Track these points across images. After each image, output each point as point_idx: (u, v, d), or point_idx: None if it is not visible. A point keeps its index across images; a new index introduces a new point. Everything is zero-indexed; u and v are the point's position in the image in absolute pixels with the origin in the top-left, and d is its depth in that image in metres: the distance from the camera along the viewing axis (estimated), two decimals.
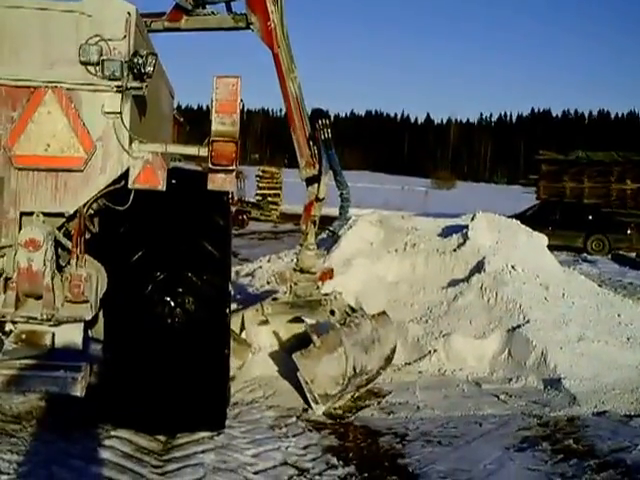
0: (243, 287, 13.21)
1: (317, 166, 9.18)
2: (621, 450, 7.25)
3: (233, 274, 13.50)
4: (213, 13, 9.96)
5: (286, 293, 9.65)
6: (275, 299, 9.68)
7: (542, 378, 9.68)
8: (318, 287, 9.66)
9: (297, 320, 9.59)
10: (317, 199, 9.32)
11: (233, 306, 9.46)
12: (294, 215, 42.93)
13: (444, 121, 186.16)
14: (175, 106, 11.03)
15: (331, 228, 9.65)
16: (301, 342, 8.87)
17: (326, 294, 9.62)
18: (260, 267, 14.02)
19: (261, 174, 47.04)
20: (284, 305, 9.59)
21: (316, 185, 9.27)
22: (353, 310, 9.51)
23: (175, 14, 9.92)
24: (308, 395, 8.27)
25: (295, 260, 9.93)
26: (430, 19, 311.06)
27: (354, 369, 8.45)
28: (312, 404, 8.28)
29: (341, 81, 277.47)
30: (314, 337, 8.31)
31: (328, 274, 9.89)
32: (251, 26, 9.40)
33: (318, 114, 9.42)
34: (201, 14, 9.95)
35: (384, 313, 9.62)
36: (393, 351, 9.59)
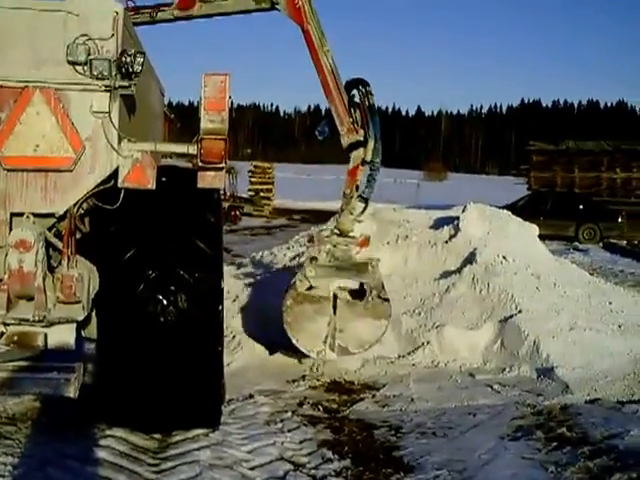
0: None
1: (361, 132, 9.29)
2: (614, 437, 7.28)
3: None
4: None
5: (320, 253, 9.56)
6: (314, 259, 9.51)
7: (535, 367, 9.74)
8: (357, 252, 9.68)
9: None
10: (363, 162, 9.38)
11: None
12: (286, 210, 43.23)
13: (435, 113, 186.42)
14: (166, 103, 11.02)
15: (363, 195, 9.68)
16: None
17: (370, 259, 9.63)
18: (253, 263, 14.01)
19: (253, 169, 47.07)
20: (328, 268, 9.49)
21: (361, 149, 9.32)
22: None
23: (186, 1, 9.90)
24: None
25: (335, 222, 10.01)
26: (419, 11, 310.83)
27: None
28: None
29: None
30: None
31: (366, 241, 9.83)
32: (277, 6, 9.46)
33: (358, 82, 9.60)
34: None
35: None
36: None
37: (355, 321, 9.25)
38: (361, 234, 9.77)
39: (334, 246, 9.53)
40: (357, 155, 9.38)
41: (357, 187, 9.57)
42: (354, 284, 9.53)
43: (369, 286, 9.29)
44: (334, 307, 9.22)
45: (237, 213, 35.01)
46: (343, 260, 9.50)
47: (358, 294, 9.39)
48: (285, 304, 9.03)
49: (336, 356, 9.28)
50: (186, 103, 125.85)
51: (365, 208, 9.74)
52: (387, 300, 9.38)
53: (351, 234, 9.63)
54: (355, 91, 9.60)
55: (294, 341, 9.13)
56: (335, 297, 9.32)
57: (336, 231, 9.65)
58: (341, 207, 9.69)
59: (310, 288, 9.40)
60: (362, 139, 9.29)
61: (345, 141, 9.37)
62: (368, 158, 9.31)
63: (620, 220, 30.74)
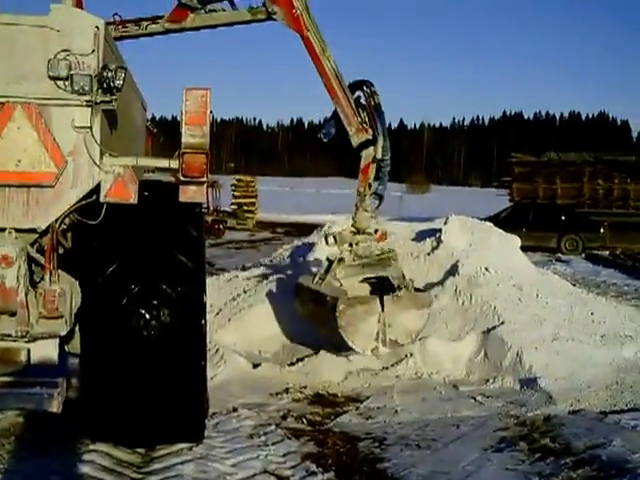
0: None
1: (370, 130, 9.73)
2: (597, 447, 7.31)
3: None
4: (223, 10, 10.05)
5: (342, 253, 9.97)
6: (341, 260, 9.94)
7: (518, 378, 9.78)
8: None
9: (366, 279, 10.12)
10: (373, 160, 9.78)
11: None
12: (270, 223, 43.19)
13: (417, 126, 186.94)
14: (149, 117, 11.02)
15: (377, 192, 9.93)
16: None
17: (391, 250, 10.17)
18: (237, 276, 14.00)
19: (236, 183, 47.01)
20: (355, 267, 9.97)
21: (371, 148, 9.73)
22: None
23: (178, 13, 9.93)
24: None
25: (352, 222, 10.24)
26: (400, 23, 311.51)
27: None
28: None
29: (314, 87, 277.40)
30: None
31: (384, 236, 10.26)
32: (274, 16, 9.65)
33: (362, 83, 10.08)
34: (209, 10, 10.01)
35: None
36: None
37: (401, 314, 9.61)
38: (377, 229, 10.16)
39: (356, 244, 9.98)
40: (368, 153, 9.78)
41: (370, 185, 9.95)
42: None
43: (399, 279, 9.86)
44: (381, 304, 9.50)
45: (221, 227, 34.90)
46: (366, 257, 9.96)
47: (389, 288, 9.81)
48: (338, 309, 9.21)
49: (388, 350, 9.66)
50: (169, 118, 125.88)
51: (380, 204, 10.19)
52: (424, 290, 10.46)
53: (368, 230, 10.03)
54: (360, 92, 10.02)
55: (350, 343, 9.36)
56: (382, 294, 9.65)
57: (353, 229, 10.05)
58: (356, 205, 10.07)
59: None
60: (371, 138, 9.69)
61: (355, 141, 9.76)
62: (379, 155, 9.71)
63: (602, 231, 30.85)
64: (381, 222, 14.52)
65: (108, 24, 10.39)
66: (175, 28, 10.04)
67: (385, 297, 9.54)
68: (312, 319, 10.31)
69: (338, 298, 9.35)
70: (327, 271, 10.05)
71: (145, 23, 10.08)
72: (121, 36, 10.06)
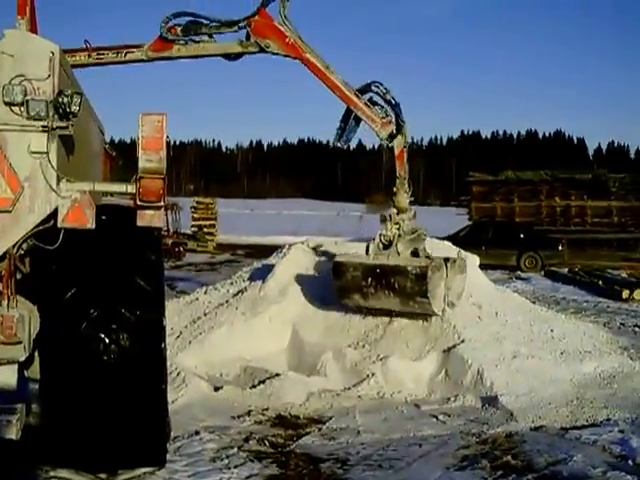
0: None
1: (393, 122, 11.13)
2: (558, 463, 7.42)
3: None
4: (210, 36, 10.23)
5: (389, 231, 11.33)
6: (400, 236, 11.28)
7: (479, 396, 9.83)
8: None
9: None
10: (405, 145, 11.26)
11: None
12: (230, 245, 43.08)
13: (376, 146, 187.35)
14: (107, 140, 10.98)
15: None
16: None
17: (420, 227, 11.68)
18: (197, 299, 13.96)
19: (196, 205, 46.87)
20: (407, 242, 11.30)
21: (399, 136, 11.18)
22: None
23: (162, 43, 9.95)
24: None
25: (392, 202, 11.61)
26: (356, 42, 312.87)
27: None
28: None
29: (272, 109, 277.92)
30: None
31: (414, 214, 11.75)
32: (267, 49, 10.04)
33: (371, 84, 11.35)
34: (197, 41, 10.12)
35: None
36: None
37: (454, 278, 11.49)
38: (409, 208, 11.62)
39: (402, 222, 11.36)
40: (399, 141, 11.21)
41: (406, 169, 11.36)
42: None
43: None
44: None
45: (181, 249, 34.74)
46: (409, 233, 11.35)
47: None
48: (428, 275, 10.58)
49: (448, 309, 11.25)
50: (128, 141, 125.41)
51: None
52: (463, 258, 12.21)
53: (408, 208, 11.53)
54: (370, 93, 11.28)
55: (432, 307, 10.79)
56: (446, 261, 11.31)
57: (395, 210, 11.26)
58: (396, 188, 11.53)
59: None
60: (396, 127, 11.00)
61: (383, 134, 11.11)
62: (409, 139, 11.19)
63: (561, 248, 31.11)
64: (340, 243, 14.65)
65: (79, 51, 10.43)
66: (159, 57, 10.09)
67: (448, 263, 11.25)
68: (371, 292, 11.04)
69: (427, 266, 10.67)
70: (386, 247, 11.17)
71: (124, 51, 10.09)
72: (96, 63, 10.06)
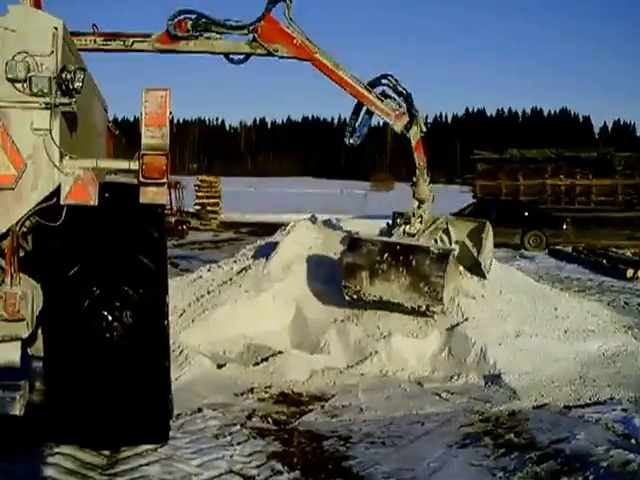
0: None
1: (406, 113, 11.16)
2: (561, 441, 7.39)
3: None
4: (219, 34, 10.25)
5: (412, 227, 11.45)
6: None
7: (482, 374, 9.84)
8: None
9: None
10: (421, 135, 11.31)
11: None
12: (234, 223, 43.12)
13: (381, 124, 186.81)
14: (110, 118, 10.96)
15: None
16: None
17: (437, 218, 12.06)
18: (200, 277, 13.95)
19: (199, 183, 46.85)
20: (432, 231, 11.69)
21: (414, 127, 11.19)
22: None
23: (166, 38, 9.95)
24: None
25: (413, 193, 11.73)
26: (361, 20, 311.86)
27: None
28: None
29: (276, 88, 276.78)
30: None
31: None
32: (276, 53, 10.08)
33: (382, 77, 11.41)
34: (205, 37, 10.10)
35: None
36: None
37: (486, 245, 11.95)
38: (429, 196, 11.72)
39: (424, 214, 11.54)
40: (415, 131, 11.21)
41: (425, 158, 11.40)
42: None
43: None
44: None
45: (184, 227, 34.80)
46: (430, 222, 11.64)
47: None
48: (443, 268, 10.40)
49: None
50: (132, 119, 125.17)
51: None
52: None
53: (428, 197, 11.63)
54: (382, 86, 11.33)
55: (440, 291, 10.43)
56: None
57: (416, 203, 11.53)
58: (417, 178, 11.53)
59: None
60: (409, 118, 11.02)
61: (399, 126, 11.18)
62: (424, 129, 11.16)
63: (565, 227, 31.07)
64: (345, 220, 14.63)
65: (85, 34, 10.39)
66: (165, 49, 10.06)
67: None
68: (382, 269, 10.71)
69: (451, 250, 11.03)
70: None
71: (131, 39, 10.06)
72: (101, 49, 10.04)
